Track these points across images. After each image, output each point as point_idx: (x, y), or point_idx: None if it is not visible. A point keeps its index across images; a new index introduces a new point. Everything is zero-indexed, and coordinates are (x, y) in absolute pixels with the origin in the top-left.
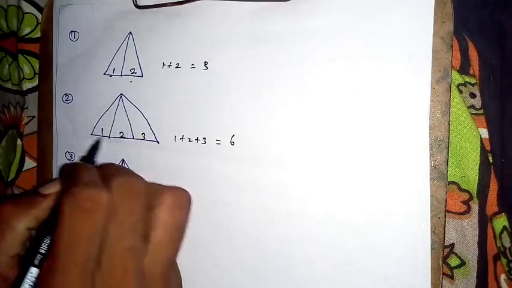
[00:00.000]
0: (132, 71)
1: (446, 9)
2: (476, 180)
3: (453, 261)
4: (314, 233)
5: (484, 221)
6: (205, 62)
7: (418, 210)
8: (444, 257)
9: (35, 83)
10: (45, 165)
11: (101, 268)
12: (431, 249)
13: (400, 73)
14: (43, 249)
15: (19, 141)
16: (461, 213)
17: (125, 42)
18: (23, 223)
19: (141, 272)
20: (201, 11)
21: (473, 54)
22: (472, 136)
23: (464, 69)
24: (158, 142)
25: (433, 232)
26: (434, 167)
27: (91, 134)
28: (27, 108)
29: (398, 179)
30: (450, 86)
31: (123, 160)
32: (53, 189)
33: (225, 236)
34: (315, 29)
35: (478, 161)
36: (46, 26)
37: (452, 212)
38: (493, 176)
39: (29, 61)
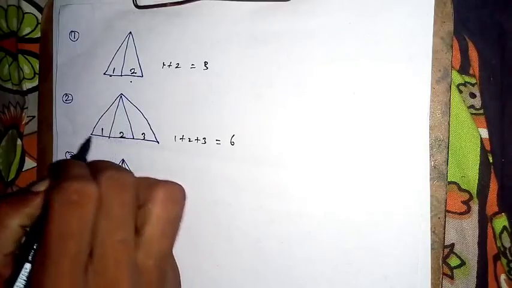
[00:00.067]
0: (132, 71)
1: (446, 9)
2: (476, 180)
3: (453, 261)
4: (314, 233)
5: (484, 221)
6: (205, 62)
7: (418, 210)
8: (444, 257)
9: (35, 83)
10: (45, 165)
11: (93, 261)
12: (431, 249)
13: (400, 73)
14: (37, 245)
15: (19, 141)
16: (461, 213)
17: (125, 42)
18: (15, 221)
19: (135, 264)
20: (201, 11)
21: (473, 54)
22: (472, 136)
23: (464, 69)
24: (158, 142)
25: (433, 232)
26: (434, 167)
27: (91, 134)
28: (27, 108)
29: (398, 179)
30: (450, 86)
31: (123, 160)
32: (44, 186)
33: (225, 236)
34: (315, 29)
35: (478, 161)
36: (46, 26)
37: (452, 212)
38: (493, 176)
39: (29, 61)
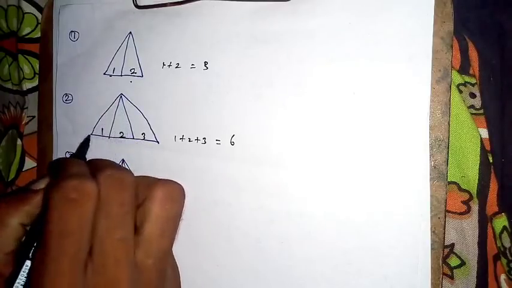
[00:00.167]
0: (132, 71)
1: (446, 9)
2: (476, 180)
3: (453, 261)
4: (314, 233)
5: (484, 221)
6: (205, 62)
7: (418, 210)
8: (444, 257)
9: (35, 83)
10: (45, 165)
11: (92, 259)
12: (431, 249)
13: (400, 73)
14: (37, 243)
15: (19, 141)
16: (461, 213)
17: (125, 42)
18: (15, 219)
19: (134, 263)
20: (201, 11)
21: (473, 54)
22: (472, 136)
23: (464, 69)
24: (158, 142)
25: (433, 232)
26: (434, 167)
27: (91, 134)
28: (27, 108)
29: (398, 179)
30: (450, 86)
31: (123, 160)
32: (44, 184)
33: (225, 236)
34: (315, 29)
35: (478, 161)
36: (46, 26)
37: (452, 212)
38: (493, 176)
39: (29, 61)
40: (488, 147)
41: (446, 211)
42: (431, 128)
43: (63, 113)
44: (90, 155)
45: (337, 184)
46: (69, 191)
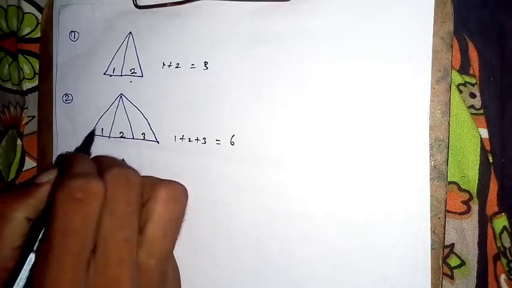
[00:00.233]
0: (132, 71)
1: (446, 9)
2: (476, 180)
3: (453, 261)
4: (314, 233)
5: (484, 221)
6: (205, 62)
7: (418, 210)
8: (444, 257)
9: (35, 83)
10: (45, 166)
11: (95, 257)
12: (431, 249)
13: (400, 73)
14: (42, 236)
15: (19, 141)
16: (461, 213)
17: (125, 42)
18: (21, 213)
19: (136, 264)
20: (201, 11)
21: (473, 54)
22: (472, 136)
23: (464, 69)
24: (158, 142)
25: (433, 232)
26: (434, 167)
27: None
28: (27, 108)
29: (398, 179)
30: (450, 86)
31: (123, 160)
32: (47, 177)
33: (225, 236)
34: (315, 29)
35: (478, 161)
36: (46, 26)
37: (452, 212)
38: (493, 176)
39: (29, 61)
40: (488, 147)
41: (446, 211)
42: (431, 128)
43: (63, 113)
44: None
45: (337, 184)
46: (75, 190)
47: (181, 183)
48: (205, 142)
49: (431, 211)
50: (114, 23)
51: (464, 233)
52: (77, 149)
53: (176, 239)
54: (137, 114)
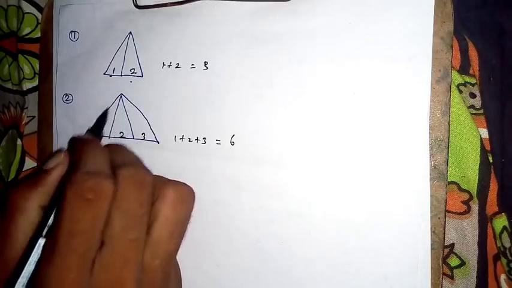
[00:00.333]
0: (132, 71)
1: (446, 9)
2: (476, 180)
3: (453, 261)
4: (314, 233)
5: (484, 221)
6: (205, 62)
7: (418, 210)
8: (444, 257)
9: (35, 83)
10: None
11: (101, 257)
12: (431, 249)
13: (400, 73)
14: (51, 220)
15: (19, 141)
16: (461, 213)
17: (125, 42)
18: (33, 203)
19: (141, 265)
20: (201, 11)
21: (473, 54)
22: (472, 136)
23: (464, 69)
24: (158, 142)
25: (433, 232)
26: (434, 167)
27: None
28: (27, 108)
29: (398, 179)
30: (450, 86)
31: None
32: (55, 162)
33: (225, 236)
34: (315, 29)
35: (478, 161)
36: (46, 26)
37: (452, 212)
38: (493, 176)
39: (29, 61)
40: (488, 147)
41: (446, 211)
42: (431, 128)
43: (63, 113)
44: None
45: (337, 184)
46: (86, 191)
47: (188, 185)
48: (205, 142)
49: (431, 211)
50: (114, 23)
51: (464, 233)
52: (88, 130)
53: (182, 240)
54: (137, 114)
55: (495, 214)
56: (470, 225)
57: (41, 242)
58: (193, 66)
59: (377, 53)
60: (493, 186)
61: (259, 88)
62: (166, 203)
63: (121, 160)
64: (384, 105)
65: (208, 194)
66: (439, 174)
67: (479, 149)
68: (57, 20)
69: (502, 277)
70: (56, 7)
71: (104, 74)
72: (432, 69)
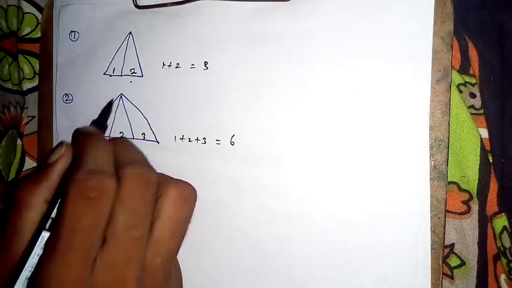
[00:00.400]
0: (132, 71)
1: (446, 9)
2: (476, 180)
3: (453, 261)
4: (314, 233)
5: (484, 221)
6: (205, 62)
7: (418, 210)
8: (444, 257)
9: (35, 83)
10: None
11: (103, 255)
12: (431, 249)
13: (400, 73)
14: (54, 213)
15: (19, 141)
16: (461, 213)
17: (125, 42)
18: (39, 198)
19: (143, 263)
20: (201, 11)
21: (473, 54)
22: (472, 136)
23: (464, 69)
24: (158, 142)
25: (433, 232)
26: (434, 167)
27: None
28: (27, 108)
29: (398, 179)
30: (450, 86)
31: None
32: (57, 154)
33: (225, 236)
34: (315, 29)
35: (478, 161)
36: (46, 26)
37: (452, 212)
38: (493, 176)
39: (29, 61)
40: (488, 147)
41: (446, 211)
42: (431, 128)
43: (63, 113)
44: None
45: (337, 184)
46: (88, 190)
47: (190, 184)
48: (205, 142)
49: (431, 211)
50: (114, 23)
51: (464, 233)
52: (93, 121)
53: (183, 239)
54: (137, 114)
55: (495, 214)
56: (470, 225)
57: (44, 234)
58: (193, 66)
59: (377, 53)
60: (493, 186)
61: (259, 88)
62: (169, 202)
63: (126, 157)
64: (383, 105)
65: (209, 194)
66: (439, 174)
67: (479, 149)
68: (57, 20)
69: (502, 277)
70: (56, 7)
71: (104, 74)
72: (432, 69)
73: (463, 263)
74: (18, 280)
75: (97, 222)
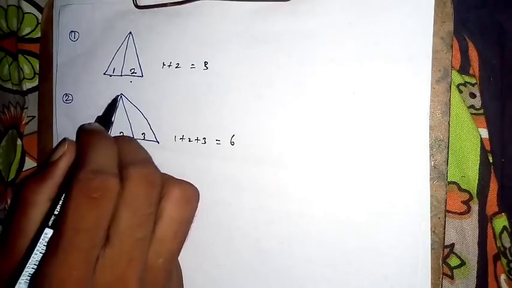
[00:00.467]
0: (132, 71)
1: (446, 9)
2: (476, 180)
3: (453, 261)
4: (314, 233)
5: (484, 221)
6: (205, 62)
7: (418, 210)
8: (444, 257)
9: (35, 83)
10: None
11: (105, 255)
12: (431, 249)
13: (400, 73)
14: (57, 210)
15: (19, 141)
16: (461, 213)
17: (125, 42)
18: (42, 196)
19: (145, 264)
20: (201, 11)
21: (473, 54)
22: (472, 136)
23: (464, 69)
24: (158, 142)
25: (433, 232)
26: (434, 167)
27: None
28: (27, 108)
29: (398, 179)
30: (450, 86)
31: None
32: (60, 152)
33: (225, 236)
34: (315, 29)
35: (478, 161)
36: (46, 26)
37: (452, 212)
38: (493, 176)
39: (29, 61)
40: (488, 147)
41: (446, 211)
42: (431, 128)
43: (63, 113)
44: None
45: (337, 184)
46: (92, 190)
47: (193, 185)
48: (205, 142)
49: (431, 211)
50: (114, 23)
51: (464, 233)
52: (98, 118)
53: (185, 240)
54: (137, 114)
55: (495, 214)
56: (470, 225)
57: (47, 232)
58: (193, 66)
59: (377, 53)
60: (493, 186)
61: (259, 88)
62: (172, 203)
63: (131, 156)
64: (384, 105)
65: (209, 194)
66: (439, 174)
67: (479, 149)
68: (57, 20)
69: (502, 277)
70: (56, 7)
71: (104, 74)
72: (432, 69)
73: (463, 263)
74: (21, 277)
75: (99, 222)
